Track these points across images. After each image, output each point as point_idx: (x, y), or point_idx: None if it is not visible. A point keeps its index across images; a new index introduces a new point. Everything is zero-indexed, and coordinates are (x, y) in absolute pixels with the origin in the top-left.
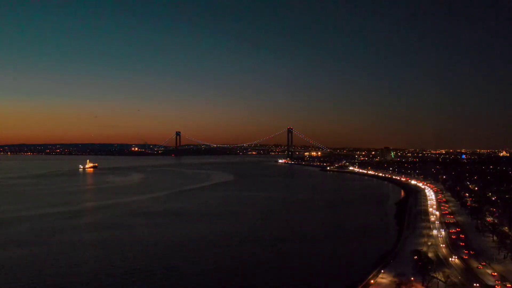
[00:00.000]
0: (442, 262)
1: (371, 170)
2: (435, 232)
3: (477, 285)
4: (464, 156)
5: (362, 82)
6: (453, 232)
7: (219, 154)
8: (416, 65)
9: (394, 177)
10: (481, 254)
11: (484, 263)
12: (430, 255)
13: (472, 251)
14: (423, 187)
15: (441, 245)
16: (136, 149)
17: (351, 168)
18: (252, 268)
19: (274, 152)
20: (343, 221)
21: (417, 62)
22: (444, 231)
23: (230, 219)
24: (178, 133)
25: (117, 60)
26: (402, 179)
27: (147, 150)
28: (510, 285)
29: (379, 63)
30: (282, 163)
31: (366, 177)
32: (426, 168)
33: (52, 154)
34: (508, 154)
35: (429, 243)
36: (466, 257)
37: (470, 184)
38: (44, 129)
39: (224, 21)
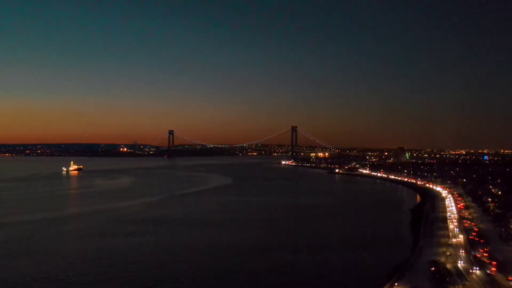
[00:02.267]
0: (462, 274)
1: (383, 173)
2: (454, 240)
3: None
4: (486, 157)
5: (374, 76)
6: (474, 241)
7: (216, 155)
8: (433, 58)
9: (409, 180)
10: (506, 265)
11: (511, 278)
12: (448, 266)
13: (495, 262)
14: (441, 191)
15: (461, 255)
16: (125, 149)
17: (361, 170)
18: (254, 281)
19: (276, 153)
20: (353, 228)
21: (435, 55)
22: (464, 239)
23: (229, 227)
24: (171, 132)
25: (103, 52)
26: (418, 182)
27: (137, 150)
28: None
29: (392, 55)
30: (285, 164)
31: (378, 180)
32: (444, 171)
33: (33, 155)
34: None
35: (448, 253)
36: (489, 268)
37: (493, 188)
38: (23, 128)
39: (219, 11)
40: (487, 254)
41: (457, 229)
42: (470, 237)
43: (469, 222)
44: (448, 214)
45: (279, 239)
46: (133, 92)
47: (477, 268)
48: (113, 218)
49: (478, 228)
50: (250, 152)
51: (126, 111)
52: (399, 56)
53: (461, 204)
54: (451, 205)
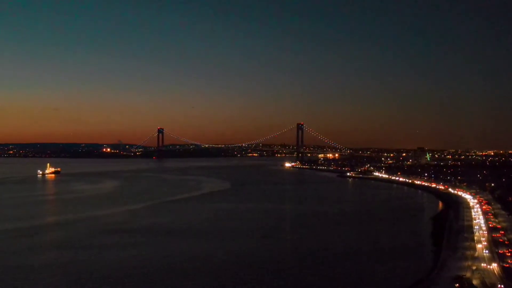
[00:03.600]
0: None
1: (401, 176)
2: (479, 246)
3: None
4: None
5: (391, 67)
6: (504, 253)
7: (211, 156)
8: (458, 47)
9: (430, 184)
10: None
11: None
12: (475, 282)
13: None
14: (466, 197)
15: (489, 270)
16: (109, 150)
17: (376, 173)
18: None
19: (280, 153)
20: (367, 239)
21: (460, 43)
22: (493, 252)
23: (226, 238)
24: (160, 131)
25: (82, 41)
26: (440, 187)
27: (122, 151)
28: None
29: (411, 44)
30: (290, 167)
31: (395, 185)
32: (470, 174)
33: (4, 156)
34: None
35: (474, 268)
36: None
37: None
38: None
39: None
40: None
41: (485, 240)
42: (500, 251)
43: (498, 232)
44: (474, 223)
45: (283, 251)
46: (117, 85)
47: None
48: (94, 227)
49: (508, 238)
50: (250, 153)
51: (110, 107)
52: (419, 45)
53: (489, 212)
54: (477, 213)
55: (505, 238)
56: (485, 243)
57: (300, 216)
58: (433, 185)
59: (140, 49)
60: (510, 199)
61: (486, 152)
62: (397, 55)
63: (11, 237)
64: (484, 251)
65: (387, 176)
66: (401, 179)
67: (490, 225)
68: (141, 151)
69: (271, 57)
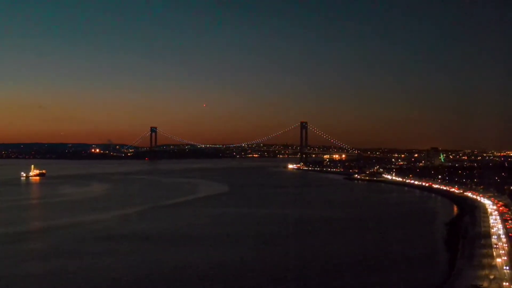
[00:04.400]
0: None
1: (413, 179)
2: (499, 261)
3: None
4: None
5: (401, 61)
6: None
7: (208, 157)
8: (474, 38)
9: (444, 187)
10: None
11: None
12: None
13: None
14: (483, 201)
15: (508, 279)
16: (98, 150)
17: (386, 175)
18: None
19: (282, 154)
20: (376, 246)
21: (476, 37)
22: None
23: (223, 245)
24: (153, 130)
25: (68, 34)
26: (454, 190)
27: (112, 152)
28: None
29: (423, 36)
30: (293, 168)
31: (406, 188)
32: (488, 176)
33: None
34: None
35: (492, 277)
36: None
37: None
38: None
39: None
40: None
41: (503, 248)
42: None
43: None
44: (492, 229)
45: (284, 259)
46: (107, 81)
47: None
48: (83, 234)
49: None
50: (250, 153)
51: (98, 104)
52: (432, 37)
53: (508, 217)
54: (495, 218)
55: None
56: (503, 251)
57: (304, 221)
58: (447, 188)
59: (131, 43)
60: None
61: (505, 152)
62: (408, 50)
63: None
64: (502, 258)
65: (397, 178)
66: (412, 181)
67: (509, 231)
68: (132, 151)
69: (272, 51)
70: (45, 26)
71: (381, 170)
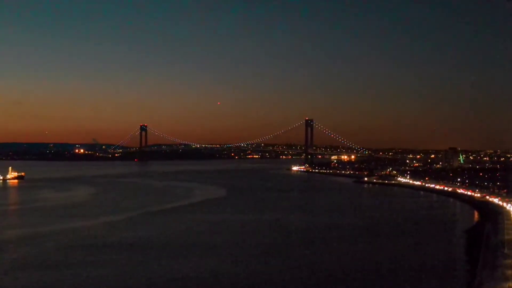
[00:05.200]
0: None
1: (429, 182)
2: None
3: None
4: None
5: (415, 54)
6: None
7: (204, 158)
8: (495, 27)
9: (463, 191)
10: None
11: None
12: None
13: None
14: (506, 206)
15: None
16: (82, 150)
17: (400, 178)
18: None
19: (285, 155)
20: (389, 256)
21: (496, 27)
22: None
23: (220, 255)
24: (143, 128)
25: (48, 23)
26: (475, 194)
27: (98, 152)
28: None
29: (440, 24)
30: (297, 171)
31: (422, 192)
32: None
33: None
34: None
35: None
36: None
37: None
38: None
39: None
40: None
41: None
42: None
43: None
44: None
45: (287, 271)
46: (91, 75)
47: None
48: (66, 242)
49: None
50: (250, 154)
51: (82, 100)
52: (449, 26)
53: None
54: None
55: None
56: None
57: (309, 229)
58: (468, 192)
59: (118, 33)
60: None
61: None
62: (423, 38)
63: None
64: None
65: (412, 181)
66: (429, 185)
67: None
68: (120, 152)
69: (274, 42)
70: (22, 15)
71: (394, 172)
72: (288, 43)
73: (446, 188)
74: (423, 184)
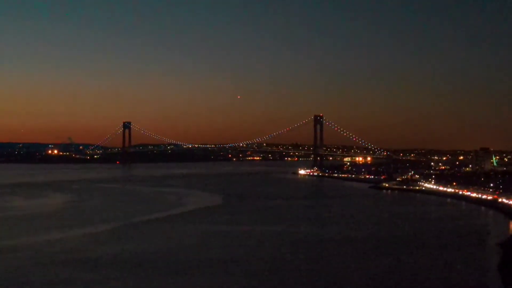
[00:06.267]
0: None
1: (457, 187)
2: None
3: None
4: None
5: (442, 42)
6: None
7: (197, 160)
8: None
9: (496, 199)
10: None
11: None
12: None
13: None
14: None
15: None
16: (55, 151)
17: (423, 183)
18: None
19: (291, 156)
20: (411, 274)
21: None
22: None
23: (215, 272)
24: (126, 125)
25: (13, 5)
26: (510, 202)
27: (74, 153)
28: None
29: (468, 10)
30: (305, 174)
31: (449, 199)
32: None
33: None
34: None
35: None
36: None
37: None
38: None
39: None
40: None
41: None
42: None
43: None
44: None
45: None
46: (65, 65)
47: None
48: (40, 258)
49: None
50: (249, 155)
51: (55, 94)
52: (479, 12)
53: None
54: None
55: None
56: None
57: (320, 242)
58: (501, 200)
59: (96, 16)
60: None
61: None
62: (449, 26)
63: None
64: None
65: (438, 187)
66: (457, 191)
67: None
68: (99, 153)
69: (276, 27)
70: None
71: (416, 176)
72: (294, 30)
73: (476, 195)
74: (450, 190)
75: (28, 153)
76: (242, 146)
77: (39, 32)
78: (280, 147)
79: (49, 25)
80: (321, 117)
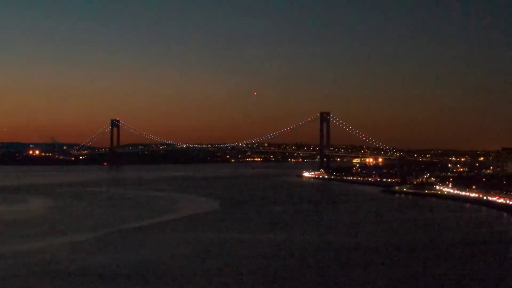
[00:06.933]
0: None
1: (477, 191)
2: None
3: None
4: None
5: (459, 33)
6: None
7: (192, 161)
8: None
9: None
10: None
11: None
12: None
13: None
14: None
15: None
16: (37, 152)
17: (439, 187)
18: None
19: (295, 157)
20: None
21: None
22: None
23: (211, 285)
24: (115, 123)
25: None
26: None
27: (58, 154)
28: None
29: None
30: (310, 177)
31: (468, 205)
32: None
33: None
34: None
35: None
36: None
37: None
38: None
39: None
40: None
41: None
42: None
43: None
44: None
45: None
46: (50, 57)
47: None
48: (21, 269)
49: None
50: (249, 155)
51: (38, 91)
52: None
53: None
54: None
55: None
56: None
57: (327, 251)
58: None
59: (80, 5)
60: None
61: None
62: (465, 19)
63: None
64: None
65: (456, 191)
66: (476, 195)
67: None
68: (85, 154)
69: (280, 18)
70: None
71: (432, 179)
72: (298, 19)
73: (498, 199)
74: (469, 194)
75: (7, 153)
76: (241, 146)
77: (17, 26)
78: (282, 147)
79: (29, 20)
80: (328, 114)
